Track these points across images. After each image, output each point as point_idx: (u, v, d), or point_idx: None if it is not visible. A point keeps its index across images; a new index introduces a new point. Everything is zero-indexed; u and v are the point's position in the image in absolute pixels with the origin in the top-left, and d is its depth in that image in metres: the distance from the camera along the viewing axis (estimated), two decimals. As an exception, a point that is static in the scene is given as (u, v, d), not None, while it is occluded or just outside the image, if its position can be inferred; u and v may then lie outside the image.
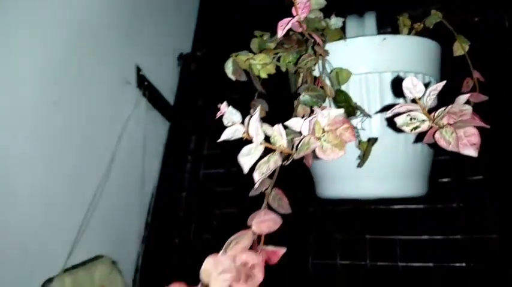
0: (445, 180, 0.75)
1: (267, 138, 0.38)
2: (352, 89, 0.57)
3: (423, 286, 0.70)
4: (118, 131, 0.86)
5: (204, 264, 0.29)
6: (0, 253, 0.59)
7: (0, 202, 0.61)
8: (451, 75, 0.51)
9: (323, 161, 0.66)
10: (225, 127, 0.39)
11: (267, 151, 0.38)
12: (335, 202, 0.79)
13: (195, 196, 0.96)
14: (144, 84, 0.94)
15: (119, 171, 0.85)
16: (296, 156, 0.37)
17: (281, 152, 0.38)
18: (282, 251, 0.38)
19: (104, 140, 0.83)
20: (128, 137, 0.88)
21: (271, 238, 0.37)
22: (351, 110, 0.52)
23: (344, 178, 0.64)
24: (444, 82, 0.37)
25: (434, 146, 0.39)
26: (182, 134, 1.04)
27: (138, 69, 0.93)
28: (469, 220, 0.70)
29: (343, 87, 0.55)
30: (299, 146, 0.37)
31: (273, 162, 0.36)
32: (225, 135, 0.37)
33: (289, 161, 0.39)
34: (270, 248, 0.38)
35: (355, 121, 0.55)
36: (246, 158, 0.37)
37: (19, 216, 0.64)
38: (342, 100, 0.51)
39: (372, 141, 0.54)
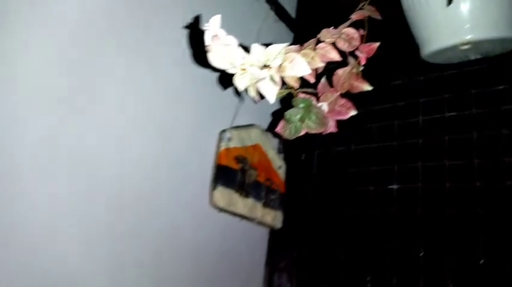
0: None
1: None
2: None
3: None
4: (253, 40, 1.11)
5: (321, 32, 0.50)
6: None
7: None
8: None
9: (423, 19, 0.80)
10: None
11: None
12: (441, 67, 0.90)
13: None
14: (270, 0, 1.17)
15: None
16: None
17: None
18: (376, 44, 0.56)
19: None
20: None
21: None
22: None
23: (445, 28, 0.77)
24: None
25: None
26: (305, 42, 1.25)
27: (265, -13, 1.16)
28: None
29: None
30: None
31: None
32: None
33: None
34: (367, 44, 0.56)
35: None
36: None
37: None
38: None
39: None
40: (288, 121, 0.52)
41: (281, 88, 0.46)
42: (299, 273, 1.00)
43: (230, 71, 0.42)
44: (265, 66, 0.43)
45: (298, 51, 0.47)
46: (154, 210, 0.80)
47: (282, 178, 1.06)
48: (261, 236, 1.04)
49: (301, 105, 0.50)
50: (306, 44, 0.49)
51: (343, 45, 0.51)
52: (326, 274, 0.95)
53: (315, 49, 0.48)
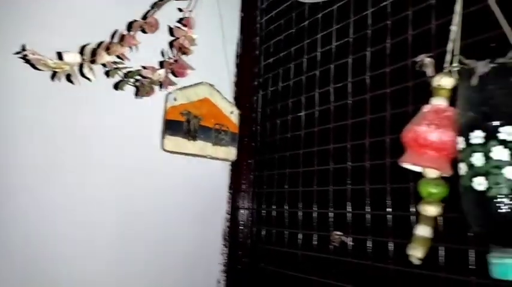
0: None
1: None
2: None
3: None
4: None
5: (133, 24, 0.75)
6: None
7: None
8: None
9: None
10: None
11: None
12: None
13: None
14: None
15: None
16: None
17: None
18: (191, 14, 0.78)
19: None
20: None
21: None
22: None
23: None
24: None
25: None
26: None
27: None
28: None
29: None
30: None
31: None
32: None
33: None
34: (185, 18, 0.79)
35: None
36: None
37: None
38: None
39: None
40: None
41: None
42: (257, 192, 1.28)
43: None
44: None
45: (105, 47, 0.73)
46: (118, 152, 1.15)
47: (234, 121, 1.32)
48: (224, 168, 1.34)
49: (133, 77, 0.75)
50: (113, 39, 0.74)
51: (149, 30, 0.75)
52: (277, 189, 1.21)
53: (122, 40, 0.73)
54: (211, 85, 1.30)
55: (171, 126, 1.19)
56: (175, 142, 1.19)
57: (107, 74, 0.79)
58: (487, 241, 0.57)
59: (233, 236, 1.29)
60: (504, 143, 0.55)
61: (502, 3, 0.67)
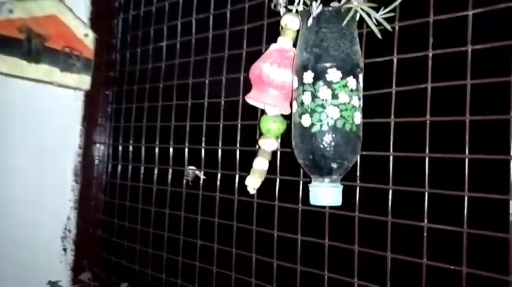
0: None
1: None
2: None
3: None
4: None
5: None
6: None
7: None
8: None
9: None
10: None
11: None
12: None
13: None
14: None
15: None
16: None
17: None
18: None
19: None
20: None
21: None
22: None
23: None
24: None
25: None
26: None
27: None
28: None
29: None
30: None
31: None
32: None
33: None
34: None
35: None
36: None
37: None
38: None
39: None
40: None
41: None
42: (114, 126, 1.20)
43: None
44: None
45: None
46: None
47: (89, 45, 1.17)
48: (76, 98, 1.20)
49: None
50: None
51: None
52: (135, 124, 1.13)
53: None
54: (60, 0, 1.11)
55: (4, 44, 0.99)
56: (11, 63, 1.01)
57: None
58: (308, 172, 0.64)
59: (87, 172, 1.20)
60: (329, 84, 0.59)
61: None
